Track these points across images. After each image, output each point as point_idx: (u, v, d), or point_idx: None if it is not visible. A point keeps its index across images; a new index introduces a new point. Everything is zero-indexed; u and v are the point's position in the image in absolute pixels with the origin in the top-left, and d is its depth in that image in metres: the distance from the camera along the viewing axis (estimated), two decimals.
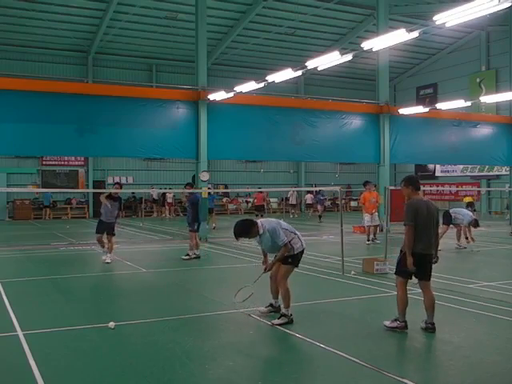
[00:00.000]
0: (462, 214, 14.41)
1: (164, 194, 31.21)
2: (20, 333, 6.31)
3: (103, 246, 12.37)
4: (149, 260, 12.86)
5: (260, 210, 24.09)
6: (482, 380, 4.91)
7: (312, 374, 5.05)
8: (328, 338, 6.07)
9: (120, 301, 8.42)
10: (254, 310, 7.23)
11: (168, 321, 6.90)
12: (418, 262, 6.29)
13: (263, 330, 6.52)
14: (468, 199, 27.14)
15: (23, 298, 8.47)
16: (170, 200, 30.68)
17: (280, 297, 6.84)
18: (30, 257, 13.53)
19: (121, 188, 13.08)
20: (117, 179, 31.85)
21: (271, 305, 7.12)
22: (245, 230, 6.62)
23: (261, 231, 6.61)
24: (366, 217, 16.43)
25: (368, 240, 16.14)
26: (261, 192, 24.70)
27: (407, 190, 6.55)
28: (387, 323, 6.45)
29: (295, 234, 6.85)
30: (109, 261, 11.99)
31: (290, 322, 6.62)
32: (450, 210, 14.81)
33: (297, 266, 6.87)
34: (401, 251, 6.49)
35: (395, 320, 6.39)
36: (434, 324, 6.35)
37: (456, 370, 5.14)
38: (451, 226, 14.49)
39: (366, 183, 17.22)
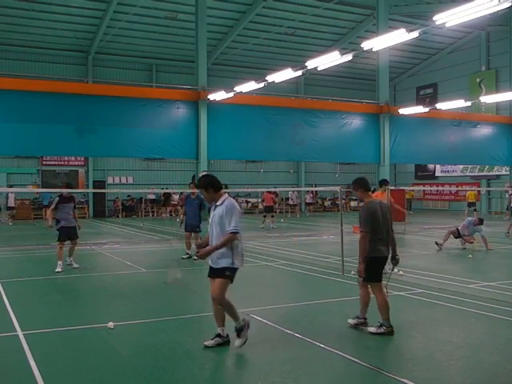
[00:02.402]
0: (467, 226, 14.35)
1: (165, 194, 31.20)
2: (20, 333, 6.31)
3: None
4: (149, 260, 12.85)
5: (269, 211, 22.11)
6: (482, 380, 4.91)
7: (312, 374, 5.05)
8: (328, 338, 6.07)
9: (120, 301, 8.42)
10: (253, 310, 7.23)
11: (168, 321, 6.89)
12: (378, 266, 6.32)
13: (263, 330, 6.52)
14: (471, 196, 26.92)
15: (23, 298, 8.47)
16: (175, 202, 30.57)
17: (225, 316, 5.81)
18: (30, 257, 13.53)
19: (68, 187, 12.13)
20: (117, 179, 31.91)
21: (219, 335, 5.78)
22: (212, 181, 5.94)
23: (221, 200, 5.82)
24: None
25: None
26: (269, 192, 23.28)
27: (358, 194, 6.58)
28: (350, 321, 6.51)
29: (241, 241, 5.84)
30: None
31: (241, 334, 5.72)
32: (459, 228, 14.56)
33: (232, 282, 5.73)
34: (365, 257, 6.42)
35: (381, 326, 6.29)
36: (387, 324, 6.30)
37: (456, 369, 5.14)
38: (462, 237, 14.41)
39: (383, 183, 13.40)
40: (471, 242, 14.29)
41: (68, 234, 11.27)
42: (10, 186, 28.09)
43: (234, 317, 5.74)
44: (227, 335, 5.76)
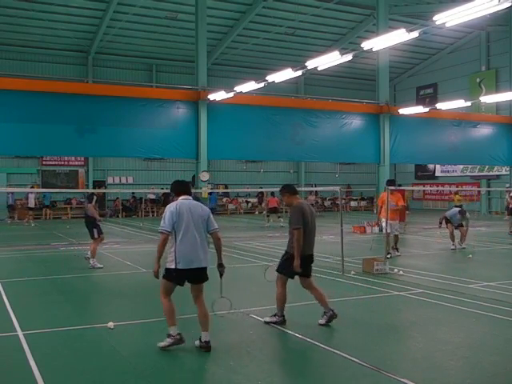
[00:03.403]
0: (454, 214, 14.54)
1: (164, 194, 31.18)
2: (20, 333, 6.31)
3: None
4: (149, 260, 12.80)
5: (273, 212, 22.08)
6: (482, 380, 4.91)
7: (312, 374, 5.05)
8: (328, 338, 6.07)
9: (120, 301, 8.42)
10: (253, 310, 7.23)
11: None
12: (304, 263, 6.60)
13: (263, 330, 6.52)
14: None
15: (23, 298, 8.47)
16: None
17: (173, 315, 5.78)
18: (30, 257, 13.52)
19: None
20: (117, 179, 31.92)
21: (169, 335, 5.71)
22: (172, 186, 5.91)
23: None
24: (383, 223, 12.72)
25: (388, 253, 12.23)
26: (273, 195, 22.79)
27: (286, 198, 6.85)
28: (267, 319, 6.72)
29: (176, 242, 5.62)
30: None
31: (178, 342, 5.62)
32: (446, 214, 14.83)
33: (175, 283, 5.68)
34: (286, 252, 6.74)
35: (274, 315, 6.68)
36: (333, 310, 6.64)
37: (456, 369, 5.14)
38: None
39: (389, 183, 12.95)
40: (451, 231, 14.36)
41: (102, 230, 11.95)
42: (15, 186, 28.06)
43: (167, 320, 5.69)
44: (178, 334, 5.66)
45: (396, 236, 13.07)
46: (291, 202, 6.78)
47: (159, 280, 5.72)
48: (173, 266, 5.60)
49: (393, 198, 12.35)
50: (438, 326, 6.67)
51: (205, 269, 5.81)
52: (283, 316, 6.67)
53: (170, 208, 5.68)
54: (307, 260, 6.76)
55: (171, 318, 5.69)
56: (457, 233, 14.52)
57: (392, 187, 12.29)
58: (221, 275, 5.92)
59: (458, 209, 14.84)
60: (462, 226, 14.45)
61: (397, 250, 13.06)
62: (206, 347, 5.61)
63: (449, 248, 14.20)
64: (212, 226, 5.86)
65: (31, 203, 26.00)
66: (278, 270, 6.80)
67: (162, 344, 5.65)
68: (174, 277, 5.63)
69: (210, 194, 22.67)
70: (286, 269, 6.67)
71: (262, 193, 31.42)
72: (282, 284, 6.72)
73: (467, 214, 14.75)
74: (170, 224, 5.58)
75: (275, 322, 6.63)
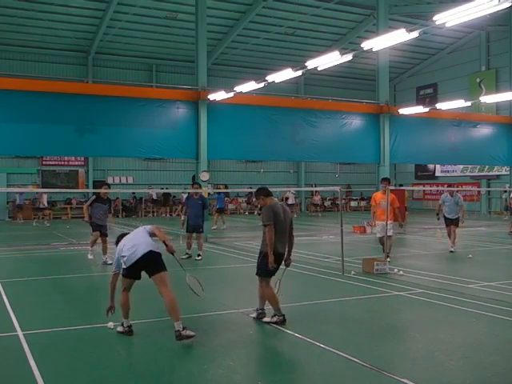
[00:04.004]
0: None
1: (164, 194, 31.19)
2: (20, 333, 6.31)
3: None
4: None
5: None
6: (482, 380, 4.91)
7: (312, 374, 5.05)
8: (328, 338, 6.07)
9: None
10: (253, 310, 7.23)
11: (168, 321, 6.87)
12: (276, 261, 6.64)
13: (263, 330, 6.52)
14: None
15: (23, 298, 8.47)
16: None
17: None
18: (30, 257, 13.52)
19: None
20: (117, 179, 31.92)
21: (122, 324, 6.42)
22: None
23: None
24: (378, 226, 12.10)
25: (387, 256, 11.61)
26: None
27: (261, 201, 6.93)
28: (267, 319, 6.72)
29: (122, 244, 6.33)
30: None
31: (128, 332, 6.25)
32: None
33: (125, 277, 6.38)
34: (260, 253, 6.81)
35: (274, 316, 6.68)
36: (264, 310, 6.79)
37: (456, 369, 5.14)
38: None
39: (384, 180, 12.36)
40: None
41: (99, 228, 12.09)
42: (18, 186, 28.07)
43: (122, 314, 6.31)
44: (128, 326, 6.28)
45: (390, 238, 11.88)
46: (265, 204, 6.85)
47: None
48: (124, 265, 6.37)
49: (385, 197, 11.60)
50: (437, 326, 6.67)
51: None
52: (283, 315, 6.67)
53: None
54: (279, 258, 6.76)
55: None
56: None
57: (388, 186, 11.73)
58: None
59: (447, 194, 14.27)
60: (456, 224, 13.94)
61: (387, 255, 11.63)
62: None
63: (448, 248, 14.17)
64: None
65: (44, 203, 26.21)
66: (257, 274, 6.85)
67: None
68: None
69: (218, 193, 22.48)
70: (263, 270, 6.73)
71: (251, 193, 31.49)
72: (266, 284, 6.77)
73: (460, 198, 14.15)
74: None
75: (276, 322, 6.63)
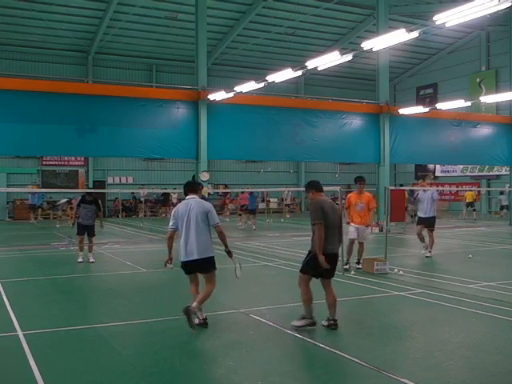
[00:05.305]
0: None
1: (164, 194, 31.16)
2: (20, 333, 6.31)
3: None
4: (149, 260, 12.84)
5: (245, 210, 22.42)
6: (482, 380, 4.91)
7: (312, 374, 5.05)
8: (328, 338, 6.07)
9: (120, 301, 8.41)
10: (253, 310, 7.23)
11: (168, 321, 6.89)
12: (328, 261, 6.35)
13: (263, 330, 6.52)
14: (469, 196, 27.14)
15: (23, 298, 8.47)
16: (174, 200, 30.56)
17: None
18: (30, 257, 13.53)
19: None
20: (117, 179, 31.91)
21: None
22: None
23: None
24: (352, 227, 11.14)
25: (346, 263, 10.83)
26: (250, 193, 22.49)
27: (310, 195, 6.72)
28: (296, 323, 6.43)
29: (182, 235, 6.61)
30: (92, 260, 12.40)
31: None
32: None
33: (185, 273, 6.74)
34: (309, 252, 6.50)
35: (303, 318, 6.45)
36: (336, 321, 6.46)
37: (456, 369, 5.14)
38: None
39: (358, 179, 11.18)
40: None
41: (85, 229, 12.46)
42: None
43: None
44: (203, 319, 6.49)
45: (361, 245, 11.09)
46: (314, 199, 6.59)
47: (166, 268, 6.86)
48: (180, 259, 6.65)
49: (361, 198, 10.96)
50: (438, 325, 6.67)
51: (199, 260, 6.49)
52: (312, 317, 6.41)
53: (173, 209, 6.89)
54: (331, 259, 6.42)
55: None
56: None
57: (363, 186, 10.99)
58: (230, 256, 6.70)
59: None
60: (432, 225, 13.11)
61: (358, 262, 11.03)
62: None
63: (448, 248, 14.15)
64: (212, 221, 6.65)
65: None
66: (301, 271, 6.56)
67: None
68: (182, 267, 6.68)
69: (250, 194, 21.97)
70: (309, 268, 6.45)
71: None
72: (305, 284, 6.48)
73: (435, 193, 13.14)
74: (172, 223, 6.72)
75: (305, 325, 6.38)
